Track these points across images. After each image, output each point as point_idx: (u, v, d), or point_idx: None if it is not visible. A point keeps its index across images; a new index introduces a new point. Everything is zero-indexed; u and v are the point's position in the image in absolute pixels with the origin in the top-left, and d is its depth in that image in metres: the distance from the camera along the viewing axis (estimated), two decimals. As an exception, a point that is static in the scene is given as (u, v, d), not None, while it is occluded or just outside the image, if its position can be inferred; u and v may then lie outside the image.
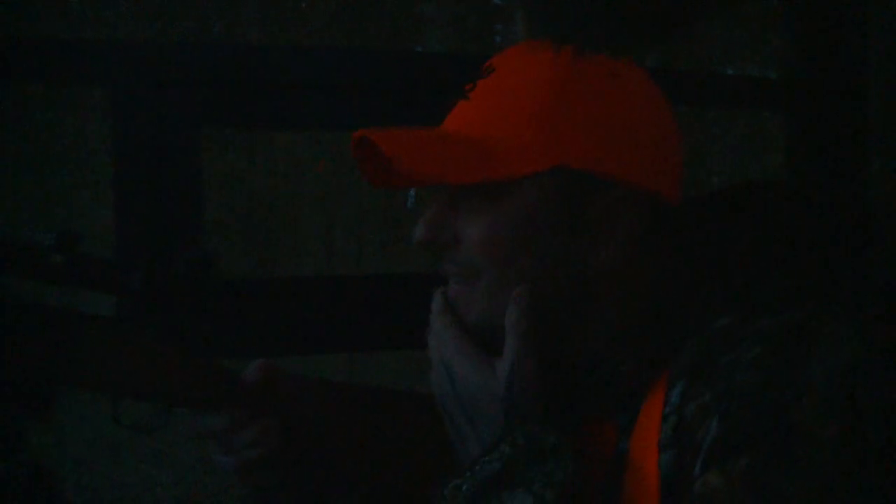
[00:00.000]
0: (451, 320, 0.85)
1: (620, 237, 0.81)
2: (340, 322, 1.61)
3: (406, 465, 0.98)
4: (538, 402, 0.79)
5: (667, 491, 0.73)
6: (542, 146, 0.79)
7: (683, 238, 0.86)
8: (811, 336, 0.72)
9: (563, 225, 0.80)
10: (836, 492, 0.67)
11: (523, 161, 0.79)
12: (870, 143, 2.05)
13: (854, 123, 1.99)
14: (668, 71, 2.84)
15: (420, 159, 0.80)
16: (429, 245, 0.84)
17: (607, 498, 0.77)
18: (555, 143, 0.79)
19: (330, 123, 1.67)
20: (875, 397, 0.70)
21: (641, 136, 0.81)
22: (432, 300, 0.88)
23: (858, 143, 2.00)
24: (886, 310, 0.79)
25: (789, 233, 0.84)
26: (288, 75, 1.59)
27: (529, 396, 0.79)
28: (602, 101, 0.80)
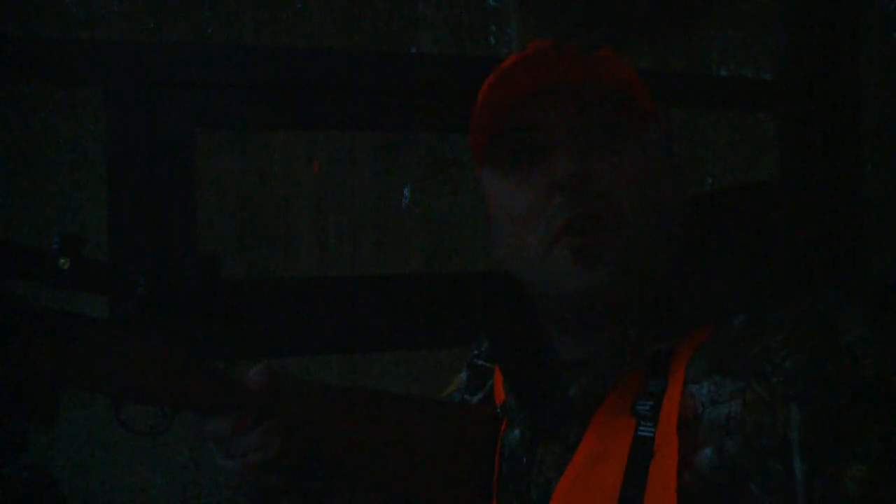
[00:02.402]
0: None
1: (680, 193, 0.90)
2: (335, 323, 1.61)
3: (407, 468, 0.98)
4: None
5: (724, 480, 0.74)
6: (646, 102, 0.89)
7: (692, 229, 0.89)
8: (821, 314, 0.75)
9: (668, 168, 0.89)
10: None
11: (645, 109, 0.88)
12: (863, 144, 2.05)
13: (847, 125, 2.00)
14: (662, 73, 2.84)
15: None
16: (576, 185, 0.83)
17: (631, 484, 0.78)
18: (650, 102, 0.89)
19: (324, 125, 1.67)
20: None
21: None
22: None
23: (852, 145, 2.00)
24: (883, 307, 0.80)
25: (790, 230, 0.87)
26: (282, 77, 1.59)
27: None
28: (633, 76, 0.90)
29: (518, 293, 0.97)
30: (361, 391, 1.00)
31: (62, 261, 0.81)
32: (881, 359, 0.71)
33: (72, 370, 0.83)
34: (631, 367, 0.80)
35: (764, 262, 0.83)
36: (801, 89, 2.00)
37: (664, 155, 0.89)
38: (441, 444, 0.98)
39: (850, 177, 2.00)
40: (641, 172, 0.84)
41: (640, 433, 0.79)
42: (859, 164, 2.04)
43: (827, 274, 0.84)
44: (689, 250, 0.87)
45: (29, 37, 2.64)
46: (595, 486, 0.79)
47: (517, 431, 0.94)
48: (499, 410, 0.99)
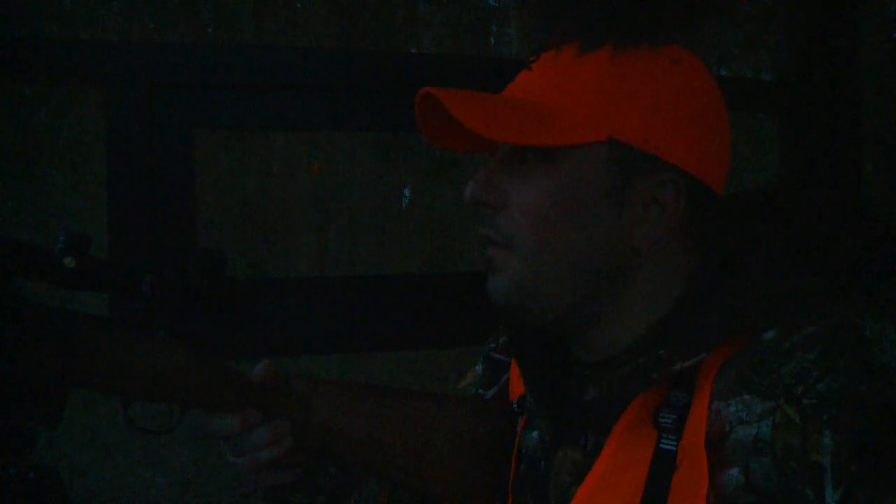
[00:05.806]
0: None
1: (664, 217, 0.82)
2: (335, 323, 1.61)
3: (416, 463, 0.98)
4: None
5: (751, 501, 0.72)
6: (598, 117, 0.81)
7: (716, 236, 0.86)
8: (856, 331, 0.72)
9: (611, 197, 0.81)
10: None
11: (581, 129, 0.80)
12: (863, 144, 2.05)
13: (847, 125, 2.00)
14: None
15: (485, 118, 0.80)
16: (478, 204, 0.84)
17: (652, 497, 0.77)
18: (610, 116, 0.81)
19: (324, 124, 1.66)
20: None
21: (693, 122, 0.83)
22: None
23: (852, 145, 2.00)
24: None
25: (815, 239, 0.84)
26: (282, 76, 1.59)
27: None
28: (657, 83, 0.82)
29: None
30: (369, 386, 1.00)
31: (67, 260, 0.81)
32: None
33: (79, 370, 0.83)
34: (657, 383, 0.78)
35: (796, 272, 0.80)
36: (801, 89, 2.00)
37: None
38: (452, 439, 0.98)
39: (850, 177, 2.00)
40: (552, 198, 0.81)
41: (661, 445, 0.77)
42: (859, 164, 2.04)
43: (864, 284, 0.81)
44: (711, 261, 0.84)
45: (29, 37, 2.64)
46: (615, 496, 0.78)
47: (535, 433, 0.93)
48: (515, 406, 0.98)
